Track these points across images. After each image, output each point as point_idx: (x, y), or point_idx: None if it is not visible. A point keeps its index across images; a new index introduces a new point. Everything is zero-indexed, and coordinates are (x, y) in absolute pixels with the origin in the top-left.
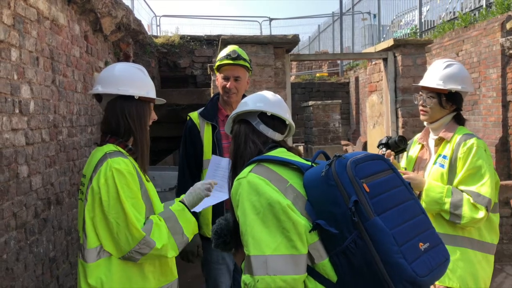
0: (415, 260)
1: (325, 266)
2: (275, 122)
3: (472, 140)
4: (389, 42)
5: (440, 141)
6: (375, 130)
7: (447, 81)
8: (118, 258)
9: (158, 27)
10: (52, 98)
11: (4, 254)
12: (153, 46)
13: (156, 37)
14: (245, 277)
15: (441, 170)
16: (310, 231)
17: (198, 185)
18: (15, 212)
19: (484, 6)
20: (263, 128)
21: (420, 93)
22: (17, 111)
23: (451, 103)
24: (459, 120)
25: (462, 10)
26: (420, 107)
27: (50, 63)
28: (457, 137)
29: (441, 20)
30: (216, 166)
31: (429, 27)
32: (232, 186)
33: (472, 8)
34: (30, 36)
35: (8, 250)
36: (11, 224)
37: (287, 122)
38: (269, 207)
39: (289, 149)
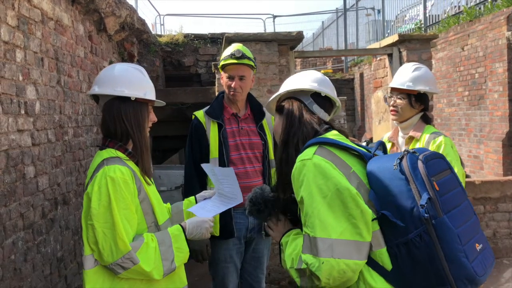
0: (474, 260)
1: (382, 254)
2: (326, 102)
3: (441, 138)
4: (394, 38)
5: (410, 139)
6: (381, 126)
7: (416, 82)
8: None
9: (162, 26)
10: (57, 99)
11: (12, 255)
12: (157, 45)
13: (160, 36)
14: (307, 257)
15: None
16: (372, 220)
17: (205, 224)
18: (23, 212)
19: None
20: (316, 108)
21: (390, 94)
22: (22, 112)
23: (419, 103)
24: (426, 120)
25: (467, 4)
26: (391, 108)
27: (55, 63)
28: (425, 136)
29: (446, 15)
30: (212, 174)
31: (434, 21)
32: (294, 165)
33: (477, 1)
34: (34, 37)
35: (16, 250)
36: (19, 225)
37: (337, 104)
38: (337, 192)
39: (339, 131)
